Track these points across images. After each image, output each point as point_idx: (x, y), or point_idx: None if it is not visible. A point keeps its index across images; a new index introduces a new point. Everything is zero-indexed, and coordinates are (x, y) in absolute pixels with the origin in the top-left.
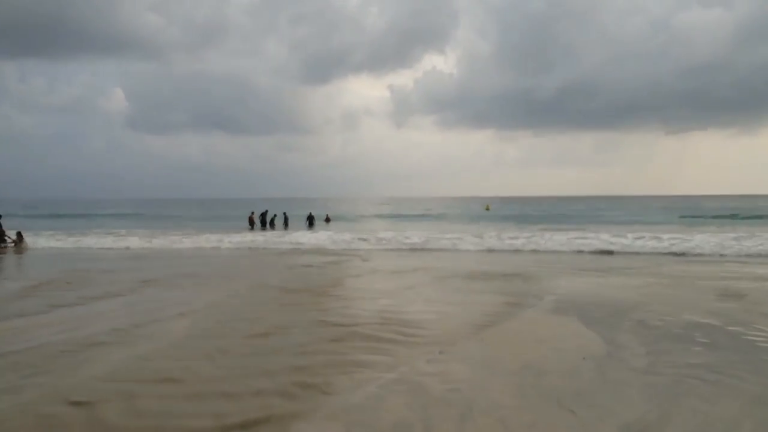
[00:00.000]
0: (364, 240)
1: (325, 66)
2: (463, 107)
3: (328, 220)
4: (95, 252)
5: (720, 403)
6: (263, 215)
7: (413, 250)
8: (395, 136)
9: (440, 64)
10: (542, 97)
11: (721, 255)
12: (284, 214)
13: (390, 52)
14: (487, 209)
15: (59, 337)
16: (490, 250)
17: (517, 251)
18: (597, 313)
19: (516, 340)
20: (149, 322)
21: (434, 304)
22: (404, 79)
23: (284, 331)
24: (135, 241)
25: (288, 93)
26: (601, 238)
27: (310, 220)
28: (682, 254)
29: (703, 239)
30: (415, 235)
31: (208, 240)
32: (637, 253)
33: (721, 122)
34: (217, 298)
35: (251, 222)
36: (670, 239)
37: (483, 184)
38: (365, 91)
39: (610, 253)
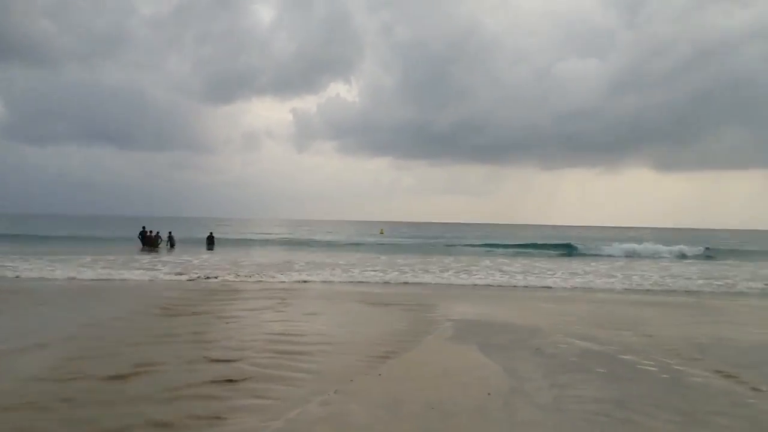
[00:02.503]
0: (254, 265)
1: (229, 86)
2: (364, 135)
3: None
4: None
5: None
6: (143, 233)
7: (306, 276)
8: (296, 159)
9: (344, 92)
10: (438, 130)
11: (593, 285)
12: (169, 233)
13: (296, 77)
14: (381, 233)
15: None
16: (384, 278)
17: (409, 280)
18: (495, 340)
19: (417, 374)
20: None
21: (328, 335)
22: (308, 104)
23: (151, 371)
24: None
25: (187, 110)
26: (488, 266)
27: (210, 240)
28: (561, 285)
29: (581, 268)
30: (309, 259)
31: (81, 264)
32: (517, 285)
33: (589, 162)
34: (78, 329)
35: (147, 241)
36: (554, 269)
37: (379, 209)
38: (268, 114)
39: (504, 284)
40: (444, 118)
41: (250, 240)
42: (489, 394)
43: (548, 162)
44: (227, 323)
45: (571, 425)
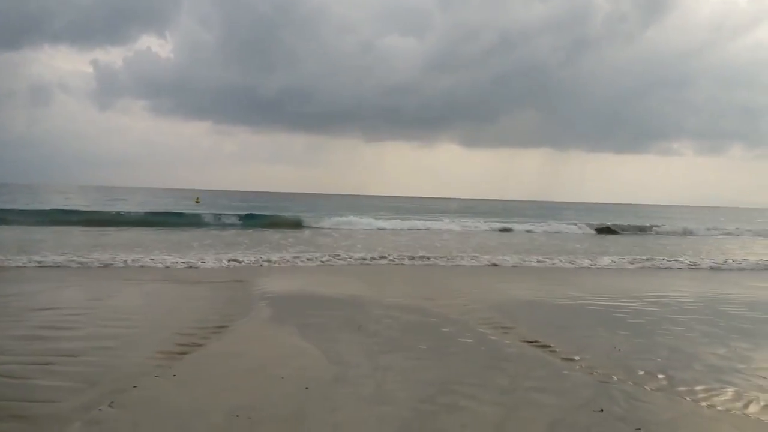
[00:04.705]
0: (29, 240)
1: (14, 29)
2: (180, 96)
3: None
4: None
5: None
6: None
7: (97, 254)
8: (97, 118)
9: (157, 46)
10: (263, 96)
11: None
12: None
13: (98, 25)
14: (197, 202)
15: None
16: (195, 252)
17: (223, 253)
18: (315, 319)
19: (224, 371)
20: None
21: (113, 326)
22: (112, 56)
23: None
24: None
25: None
26: (307, 238)
27: None
28: (385, 256)
29: (394, 240)
30: (104, 232)
31: None
32: (340, 256)
33: (407, 136)
34: None
35: None
36: (372, 240)
37: (196, 177)
38: (62, 65)
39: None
40: (270, 84)
41: (31, 210)
42: (307, 388)
43: (371, 134)
44: None
45: (396, 419)
